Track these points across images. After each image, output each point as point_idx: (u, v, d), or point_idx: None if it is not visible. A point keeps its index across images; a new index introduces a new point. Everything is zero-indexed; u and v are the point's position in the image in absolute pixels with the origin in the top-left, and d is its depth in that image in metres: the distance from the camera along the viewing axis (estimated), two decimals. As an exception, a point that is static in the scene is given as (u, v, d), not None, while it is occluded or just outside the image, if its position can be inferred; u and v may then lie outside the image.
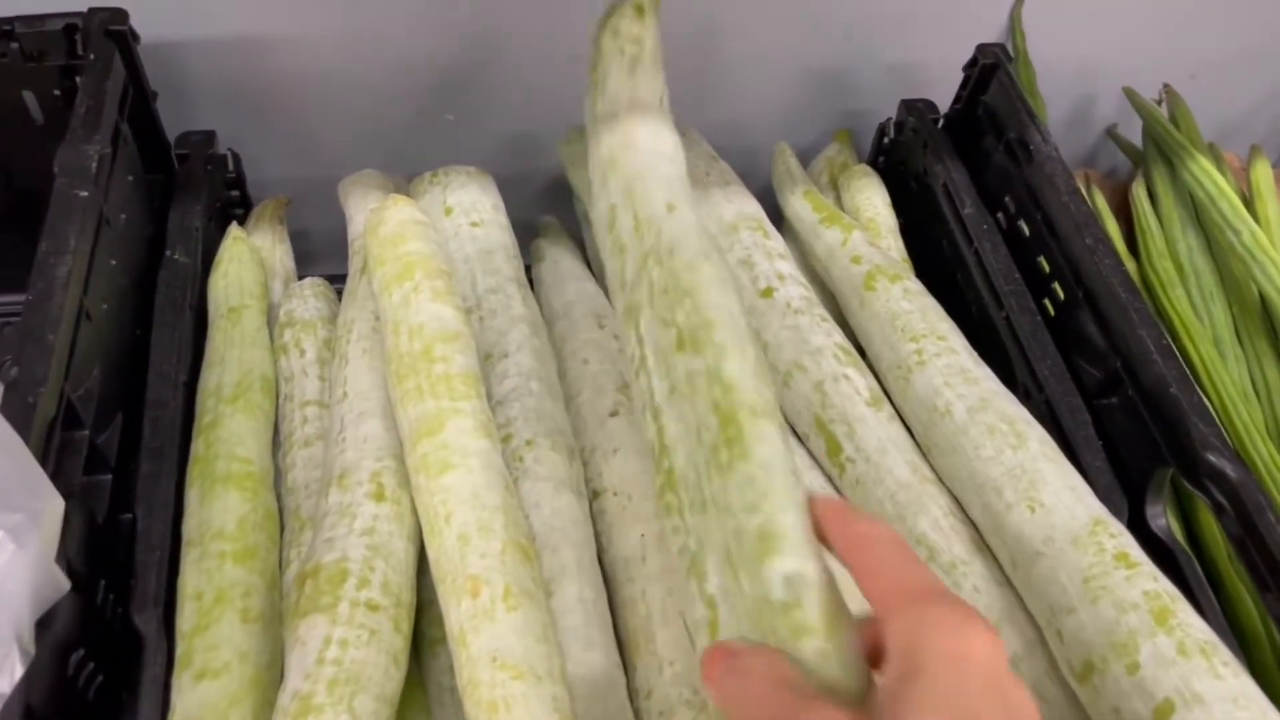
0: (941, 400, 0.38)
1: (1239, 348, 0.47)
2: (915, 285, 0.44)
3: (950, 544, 0.37)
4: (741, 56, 0.54)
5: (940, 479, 0.39)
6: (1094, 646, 0.31)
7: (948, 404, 0.38)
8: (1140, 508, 0.38)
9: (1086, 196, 0.53)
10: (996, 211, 0.48)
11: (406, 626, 0.31)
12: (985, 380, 0.39)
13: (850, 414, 0.40)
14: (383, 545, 0.32)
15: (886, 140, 0.53)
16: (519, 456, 0.37)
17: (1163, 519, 0.38)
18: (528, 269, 0.48)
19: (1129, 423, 0.39)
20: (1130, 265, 0.51)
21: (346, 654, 0.29)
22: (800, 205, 0.49)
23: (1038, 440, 0.37)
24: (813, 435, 0.41)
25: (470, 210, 0.45)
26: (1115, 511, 0.37)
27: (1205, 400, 0.44)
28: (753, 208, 0.47)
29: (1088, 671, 0.31)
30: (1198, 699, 0.29)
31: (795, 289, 0.44)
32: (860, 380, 0.41)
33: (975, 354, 0.41)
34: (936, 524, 0.37)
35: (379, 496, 0.33)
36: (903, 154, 0.51)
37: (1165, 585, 0.32)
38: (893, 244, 0.49)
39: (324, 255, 0.53)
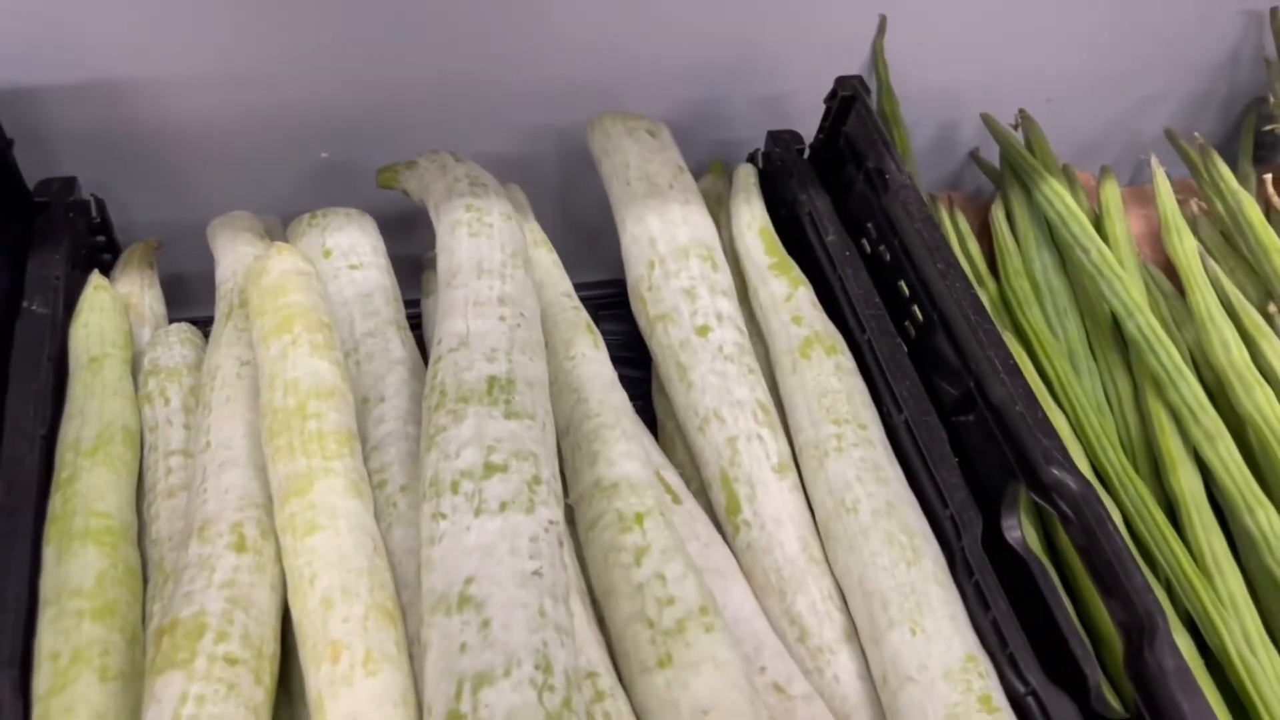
0: (851, 495, 0.40)
1: (1092, 361, 0.50)
2: (848, 362, 0.45)
3: (823, 629, 0.38)
4: (625, 92, 0.55)
5: (827, 562, 0.40)
6: None
7: (855, 500, 0.39)
8: (997, 520, 0.40)
9: (950, 218, 0.55)
10: (861, 238, 0.50)
11: (269, 679, 0.31)
12: (894, 481, 0.41)
13: (755, 476, 0.41)
14: (243, 597, 0.31)
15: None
16: (393, 503, 0.37)
17: (1017, 530, 0.40)
18: (416, 303, 0.49)
19: (984, 439, 0.41)
20: (991, 284, 0.54)
21: (203, 710, 0.29)
22: (754, 243, 0.49)
23: (932, 560, 0.38)
24: (716, 488, 0.42)
25: (349, 253, 0.46)
26: (969, 523, 0.39)
27: (1049, 416, 0.46)
28: (707, 233, 0.48)
29: None
30: None
31: (731, 333, 0.45)
32: (773, 444, 0.42)
33: (890, 449, 0.42)
34: (814, 606, 0.39)
35: (240, 548, 0.33)
36: (771, 184, 0.53)
37: None
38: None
39: (201, 299, 0.52)
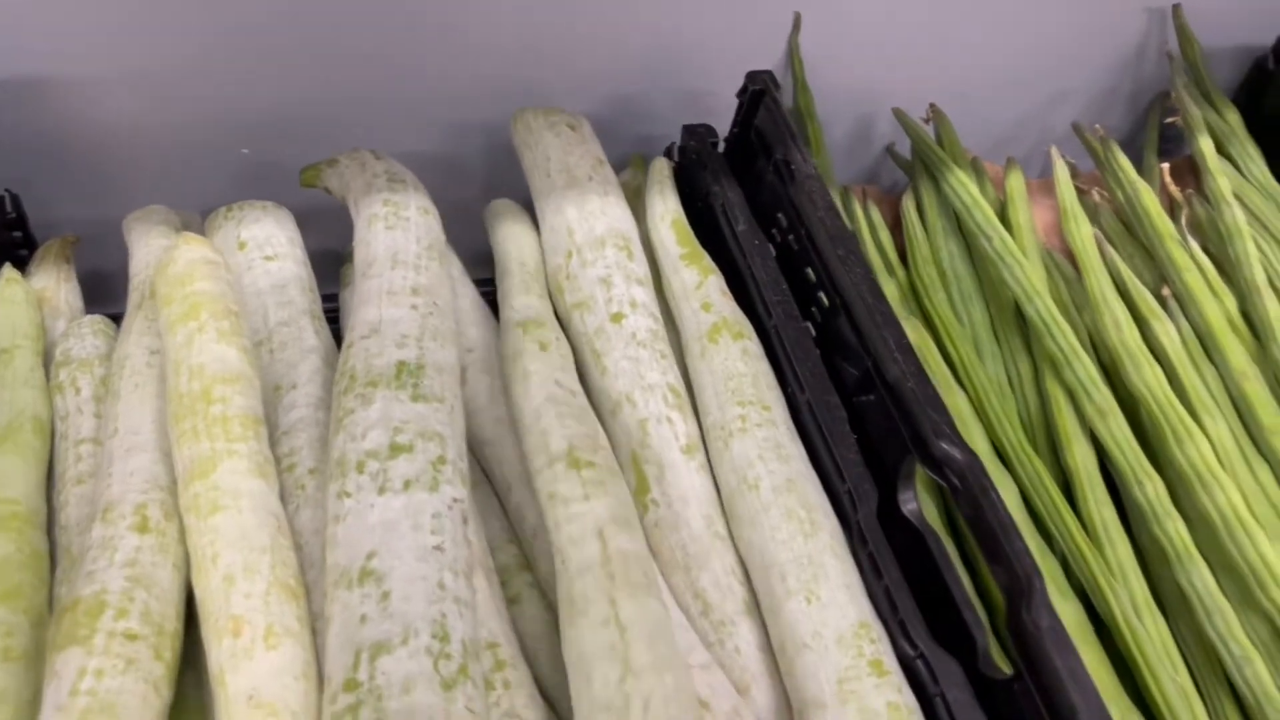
0: (753, 473, 0.41)
1: (995, 344, 0.51)
2: (755, 347, 0.46)
3: (725, 603, 0.40)
4: (549, 89, 0.56)
5: (732, 539, 0.41)
6: None
7: (757, 477, 0.41)
8: (894, 494, 0.41)
9: (863, 210, 0.57)
10: (772, 228, 0.51)
11: (169, 654, 0.32)
12: (796, 459, 0.42)
13: (664, 458, 0.43)
14: (144, 576, 0.32)
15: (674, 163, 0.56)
16: (301, 485, 0.38)
17: (913, 503, 0.41)
18: (333, 297, 0.50)
19: (882, 417, 0.43)
20: (901, 273, 0.55)
21: (101, 684, 0.29)
22: (666, 234, 0.50)
23: (829, 533, 0.40)
24: (627, 469, 0.43)
25: (264, 244, 0.46)
26: (865, 497, 0.41)
27: (950, 396, 0.48)
28: (625, 224, 0.49)
29: None
30: None
31: (644, 320, 0.46)
32: (681, 426, 0.43)
33: (793, 428, 0.43)
34: (717, 581, 0.40)
35: (142, 529, 0.33)
36: (688, 176, 0.54)
37: (907, 698, 0.36)
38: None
39: (123, 295, 0.53)
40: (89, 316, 0.44)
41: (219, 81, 0.52)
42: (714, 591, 0.40)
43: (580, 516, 0.36)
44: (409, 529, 0.33)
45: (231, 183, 0.54)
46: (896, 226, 0.58)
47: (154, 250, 0.44)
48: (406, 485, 0.34)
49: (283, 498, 0.37)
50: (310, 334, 0.43)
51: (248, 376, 0.37)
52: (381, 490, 0.34)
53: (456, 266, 0.50)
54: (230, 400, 0.35)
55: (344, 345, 0.40)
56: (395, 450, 0.35)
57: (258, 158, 0.55)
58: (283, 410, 0.40)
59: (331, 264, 0.52)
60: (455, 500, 0.35)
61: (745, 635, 0.39)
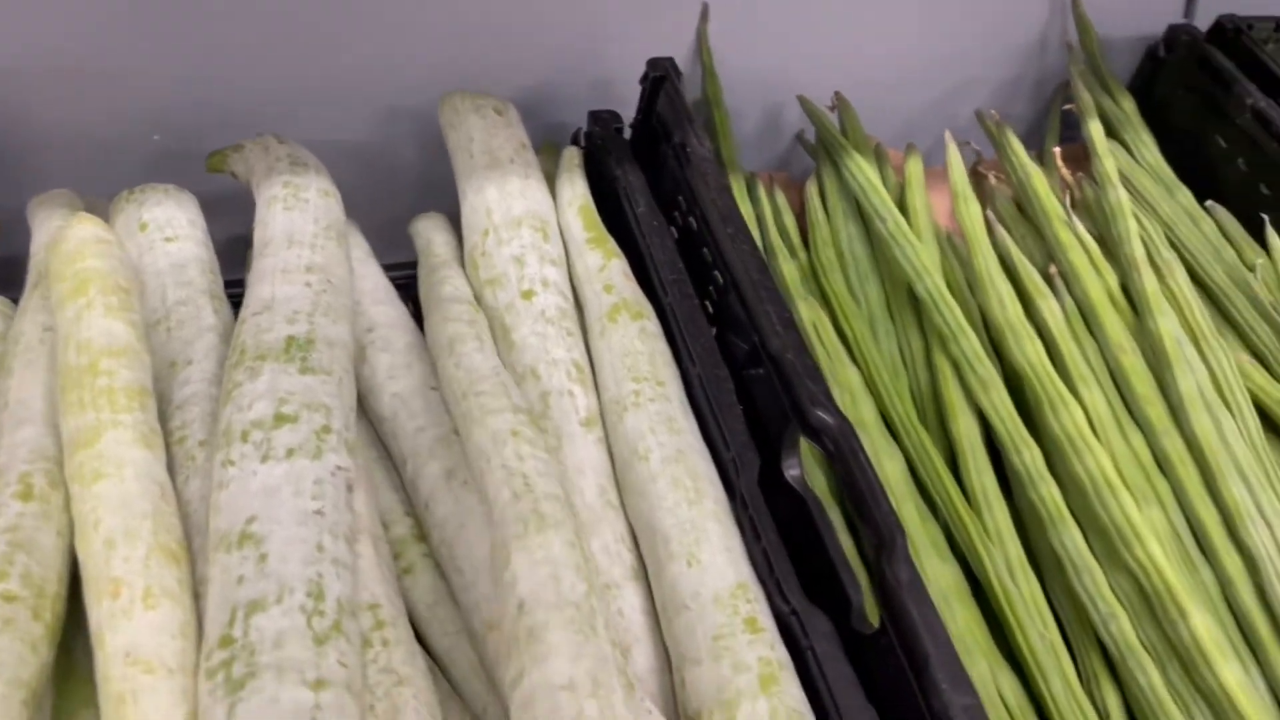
0: (643, 445, 0.43)
1: (890, 323, 0.53)
2: (653, 327, 0.48)
3: (613, 568, 0.41)
4: (467, 75, 0.57)
5: (623, 508, 0.43)
6: (705, 699, 0.36)
7: (648, 449, 0.42)
8: (779, 462, 0.43)
9: (768, 196, 0.59)
10: (673, 210, 0.52)
11: (49, 615, 0.33)
12: (686, 432, 0.44)
13: (564, 429, 0.44)
14: (26, 541, 0.33)
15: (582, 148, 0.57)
16: (191, 456, 0.39)
17: (796, 469, 0.43)
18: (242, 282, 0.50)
19: (768, 388, 0.44)
20: (803, 255, 0.57)
21: (-23, 642, 0.30)
22: (573, 219, 0.52)
23: (713, 500, 0.41)
24: None
25: (165, 226, 0.47)
26: (747, 464, 0.42)
27: (842, 371, 0.49)
28: (542, 206, 0.51)
29: (696, 718, 0.36)
30: None
31: (554, 298, 0.47)
32: (582, 400, 0.45)
33: (687, 404, 0.45)
34: (606, 548, 0.41)
35: (26, 496, 0.34)
36: (597, 161, 0.55)
37: (779, 653, 0.37)
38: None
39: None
40: (-13, 298, 0.45)
41: (128, 67, 0.53)
42: (603, 557, 0.41)
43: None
44: (290, 494, 0.34)
45: (143, 169, 0.55)
46: (802, 210, 0.60)
47: (52, 231, 0.45)
48: (289, 453, 0.35)
49: (173, 469, 0.38)
50: (209, 313, 0.44)
51: (135, 350, 0.38)
52: (265, 458, 0.35)
53: (361, 249, 0.51)
54: (116, 373, 0.36)
55: (238, 322, 0.41)
56: (280, 420, 0.36)
57: (169, 144, 0.56)
58: (177, 385, 0.41)
59: (242, 249, 0.53)
60: (339, 468, 0.36)
61: (630, 599, 0.40)
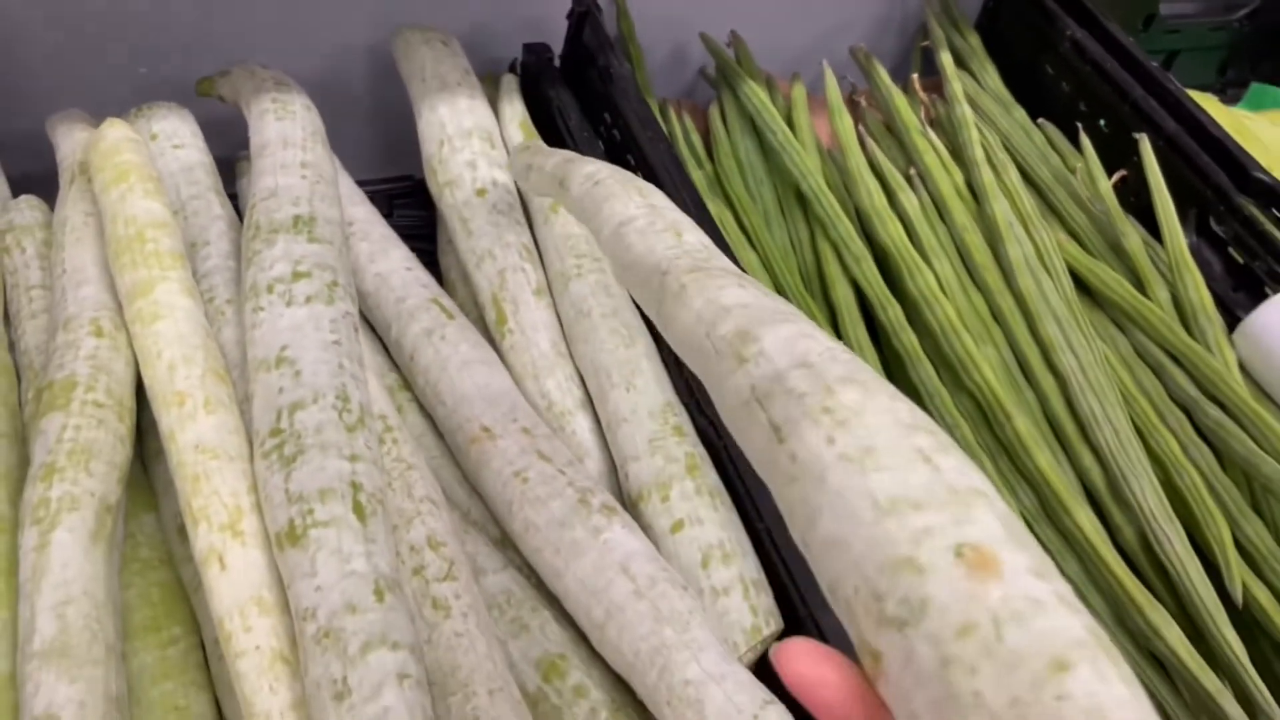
0: (586, 305, 0.52)
1: (781, 218, 0.64)
2: None
3: (565, 399, 0.51)
4: (412, 13, 0.66)
5: (572, 358, 0.52)
6: (645, 484, 0.46)
7: (590, 308, 0.52)
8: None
9: (678, 118, 0.69)
10: (600, 126, 0.62)
11: (129, 420, 0.41)
12: (620, 295, 0.53)
13: (519, 297, 0.53)
14: (104, 365, 0.41)
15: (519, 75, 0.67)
16: (221, 311, 0.47)
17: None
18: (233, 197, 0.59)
19: (685, 261, 0.54)
20: (708, 165, 0.67)
21: (81, 435, 0.39)
22: (515, 133, 0.61)
23: (645, 344, 0.51)
24: (488, 309, 0.54)
25: (172, 136, 0.55)
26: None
27: (743, 257, 0.60)
28: (488, 122, 0.60)
29: (638, 500, 0.46)
30: (700, 520, 0.45)
31: (504, 195, 0.57)
32: (533, 275, 0.54)
33: None
34: (559, 385, 0.51)
35: (98, 334, 0.42)
36: (533, 87, 0.65)
37: (701, 450, 0.48)
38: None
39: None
40: (23, 196, 0.52)
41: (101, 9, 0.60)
42: (557, 393, 0.51)
43: None
44: (312, 329, 0.43)
45: (132, 99, 0.62)
46: (706, 132, 0.70)
47: (78, 139, 0.52)
48: (308, 300, 0.44)
49: (208, 321, 0.46)
50: (217, 205, 0.52)
51: (171, 225, 0.46)
52: (289, 304, 0.44)
53: (335, 161, 0.60)
54: (160, 240, 0.45)
55: (248, 209, 0.49)
56: (297, 276, 0.45)
57: (154, 77, 0.63)
58: (200, 260, 0.49)
59: (227, 167, 0.61)
60: (347, 313, 0.45)
61: (580, 422, 0.50)
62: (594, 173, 0.40)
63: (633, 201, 0.36)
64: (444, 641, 0.38)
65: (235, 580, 0.37)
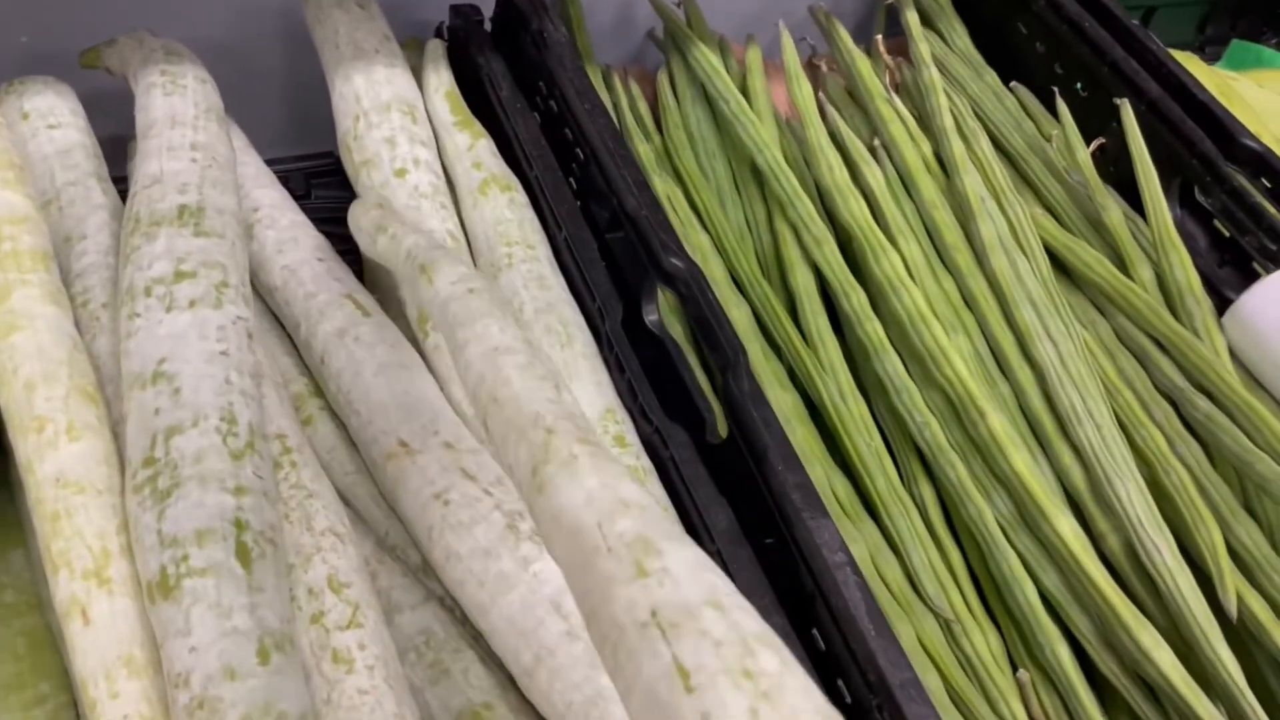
0: (518, 300, 0.47)
1: (736, 195, 0.59)
2: (521, 198, 0.52)
3: None
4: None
5: None
6: None
7: (521, 303, 0.47)
8: (639, 309, 0.48)
9: (623, 86, 0.63)
10: (535, 95, 0.57)
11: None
12: (555, 287, 0.48)
13: None
14: (-52, 388, 0.36)
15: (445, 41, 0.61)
16: (96, 317, 0.42)
17: (654, 315, 0.48)
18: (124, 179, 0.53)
19: (628, 247, 0.49)
20: (657, 138, 0.62)
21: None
22: (440, 104, 0.56)
23: (582, 343, 0.46)
24: (410, 304, 0.49)
25: (47, 114, 0.49)
26: (611, 310, 0.47)
27: (693, 236, 0.55)
28: (409, 92, 0.54)
29: None
30: None
31: (426, 176, 0.51)
32: None
33: (555, 265, 0.50)
34: None
35: (-59, 350, 0.37)
36: (462, 53, 0.59)
37: (644, 462, 0.43)
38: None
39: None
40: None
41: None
42: (485, 397, 0.46)
43: None
44: (196, 338, 0.38)
45: (15, 71, 0.56)
46: (655, 101, 0.65)
47: (-65, 119, 0.46)
48: (192, 304, 0.39)
49: (80, 329, 0.41)
50: (98, 193, 0.46)
51: (34, 219, 0.40)
52: (169, 309, 0.38)
53: (240, 139, 0.54)
54: (19, 238, 0.39)
55: (129, 197, 0.43)
56: (180, 276, 0.39)
57: (37, 46, 0.57)
58: (74, 257, 0.43)
59: (113, 147, 0.55)
60: (239, 318, 0.40)
61: (512, 430, 0.45)
62: (467, 275, 0.35)
63: (510, 331, 0.32)
64: (346, 701, 0.33)
65: (100, 637, 0.33)
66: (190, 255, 0.40)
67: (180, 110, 0.46)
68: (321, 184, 0.60)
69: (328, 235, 0.52)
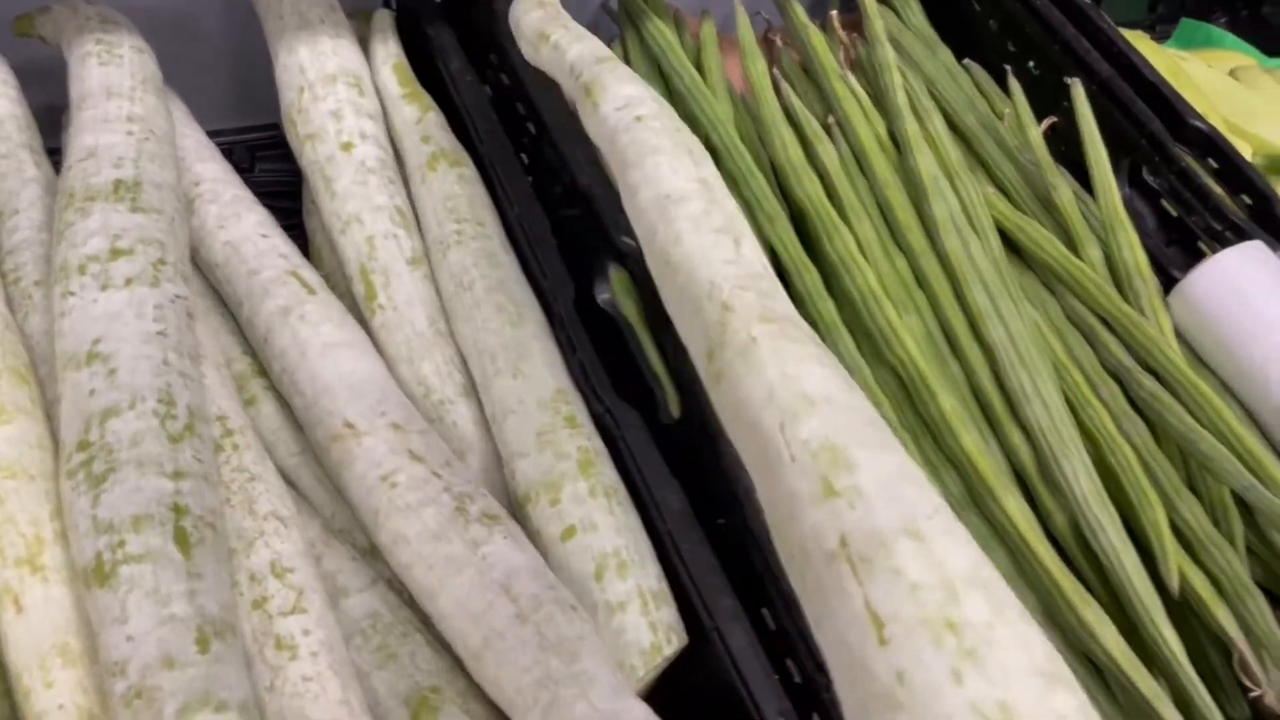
0: (468, 277, 0.46)
1: (690, 171, 0.58)
2: (471, 173, 0.51)
3: (444, 386, 0.46)
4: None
5: (453, 337, 0.46)
6: (533, 484, 0.41)
7: (472, 280, 0.46)
8: (593, 290, 0.48)
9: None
10: (486, 69, 0.56)
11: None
12: (507, 265, 0.48)
13: (390, 268, 0.47)
14: None
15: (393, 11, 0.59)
16: (28, 295, 0.41)
17: (607, 294, 0.47)
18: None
19: (581, 225, 0.49)
20: (610, 113, 0.61)
21: None
22: (389, 77, 0.55)
23: (534, 322, 0.46)
24: (356, 281, 0.48)
25: (-24, 86, 0.47)
26: (562, 290, 0.47)
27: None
28: (355, 63, 0.53)
29: (525, 502, 0.41)
30: (594, 526, 0.40)
31: (373, 149, 0.50)
32: (407, 242, 0.48)
33: (507, 242, 0.49)
34: (438, 369, 0.46)
35: None
36: (412, 24, 0.58)
37: (595, 443, 0.42)
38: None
39: None
40: None
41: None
42: (435, 378, 0.45)
43: None
44: (133, 317, 0.37)
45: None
46: (609, 75, 0.64)
47: None
48: (128, 282, 0.38)
49: (11, 308, 0.39)
50: (30, 166, 0.44)
51: (-41, 195, 0.39)
52: (104, 287, 0.37)
53: (180, 110, 0.52)
54: (-54, 215, 0.37)
55: (63, 171, 0.42)
56: (115, 254, 0.38)
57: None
58: (6, 233, 0.42)
59: (48, 117, 0.53)
60: (178, 296, 0.39)
61: (462, 412, 0.45)
62: (636, 99, 0.32)
63: (684, 168, 0.29)
64: (289, 688, 0.33)
65: (34, 626, 0.32)
66: (126, 232, 0.39)
67: (116, 81, 0.45)
68: (266, 157, 0.59)
69: (272, 210, 0.51)
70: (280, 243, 0.47)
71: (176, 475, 0.33)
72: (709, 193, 0.28)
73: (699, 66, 0.61)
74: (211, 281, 0.47)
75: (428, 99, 0.53)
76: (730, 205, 0.30)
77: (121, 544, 0.31)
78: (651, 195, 0.28)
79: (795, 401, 0.21)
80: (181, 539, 0.32)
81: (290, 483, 0.43)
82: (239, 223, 0.47)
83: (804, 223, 0.54)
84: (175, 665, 0.29)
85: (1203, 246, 0.56)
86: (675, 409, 0.44)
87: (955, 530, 0.19)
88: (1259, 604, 0.43)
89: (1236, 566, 0.44)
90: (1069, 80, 0.58)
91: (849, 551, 0.19)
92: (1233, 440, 0.46)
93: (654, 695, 0.41)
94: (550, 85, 0.50)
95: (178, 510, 0.32)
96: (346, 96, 0.51)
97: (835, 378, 0.22)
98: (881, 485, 0.20)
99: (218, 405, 0.39)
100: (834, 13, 0.65)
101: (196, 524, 0.33)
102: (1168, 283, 0.53)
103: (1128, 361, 0.50)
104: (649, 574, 0.39)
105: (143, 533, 0.32)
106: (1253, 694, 0.42)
